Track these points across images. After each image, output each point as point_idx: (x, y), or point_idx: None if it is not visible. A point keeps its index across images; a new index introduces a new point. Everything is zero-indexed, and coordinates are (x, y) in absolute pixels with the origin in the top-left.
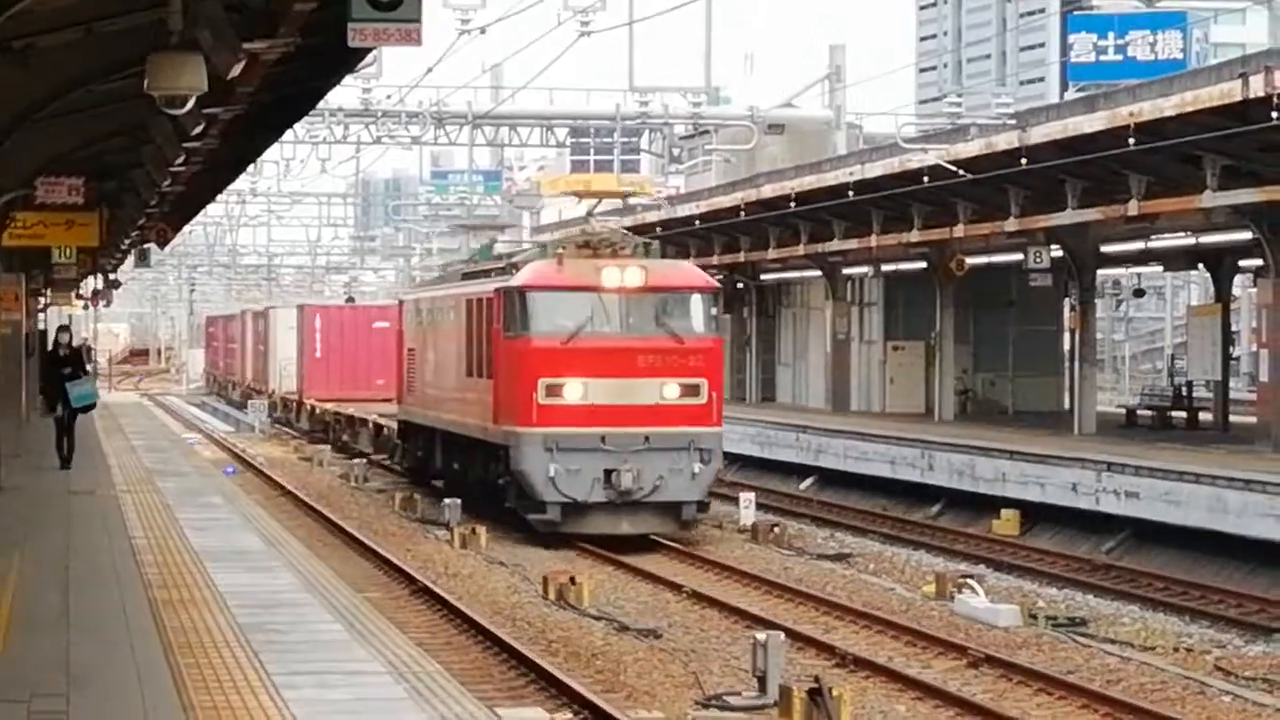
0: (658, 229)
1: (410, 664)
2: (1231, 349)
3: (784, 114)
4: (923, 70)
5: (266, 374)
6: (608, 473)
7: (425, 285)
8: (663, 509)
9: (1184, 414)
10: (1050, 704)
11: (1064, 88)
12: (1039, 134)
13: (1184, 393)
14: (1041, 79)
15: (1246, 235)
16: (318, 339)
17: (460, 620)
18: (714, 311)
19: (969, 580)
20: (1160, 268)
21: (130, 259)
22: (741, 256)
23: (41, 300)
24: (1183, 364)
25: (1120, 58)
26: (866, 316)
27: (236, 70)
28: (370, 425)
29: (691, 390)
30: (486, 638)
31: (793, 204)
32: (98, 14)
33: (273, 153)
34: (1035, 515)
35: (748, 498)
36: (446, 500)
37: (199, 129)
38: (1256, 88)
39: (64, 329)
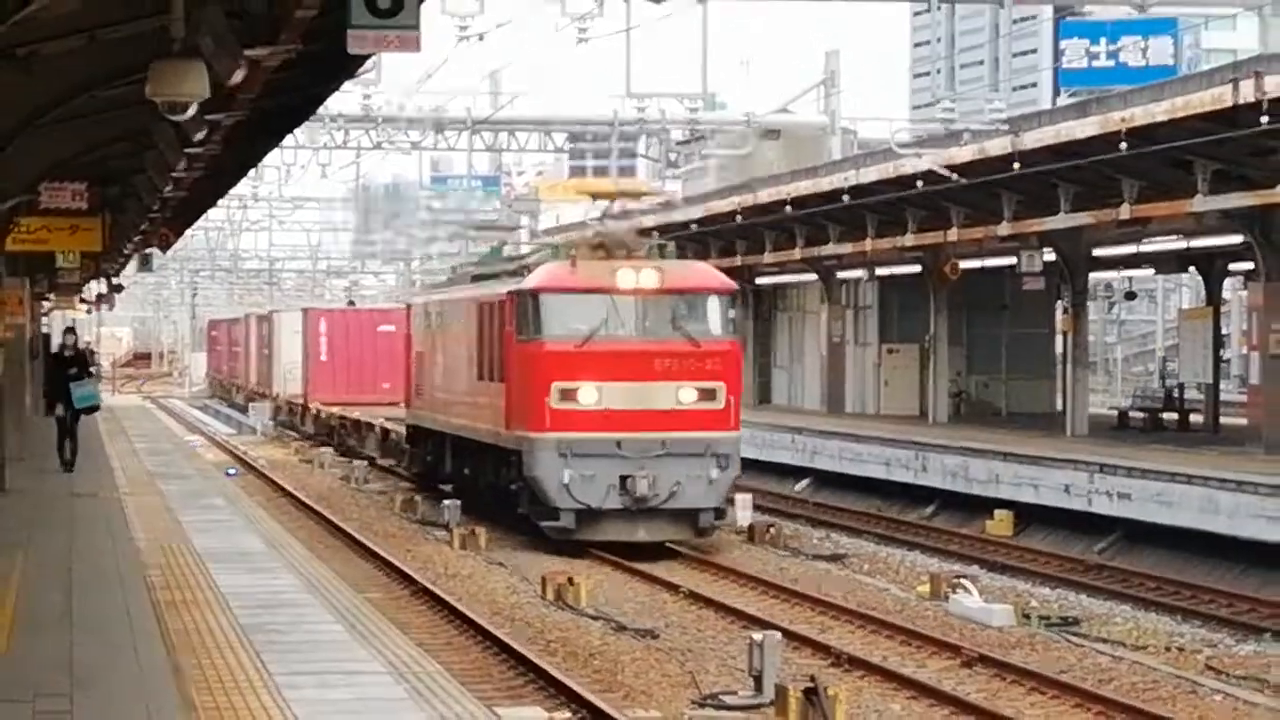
0: (654, 234)
1: (410, 664)
2: (1222, 351)
3: (779, 119)
4: (916, 76)
5: (271, 378)
6: (623, 479)
7: (434, 288)
8: (679, 516)
9: (1175, 416)
10: (1043, 703)
11: (1056, 93)
12: (1032, 139)
13: (1175, 395)
14: (1034, 85)
15: (1237, 239)
16: (323, 342)
17: (460, 621)
18: (731, 313)
19: (963, 580)
20: (1152, 271)
21: (133, 263)
22: (738, 260)
23: (45, 304)
24: (1174, 366)
25: (1112, 63)
26: (861, 319)
27: (238, 76)
28: (377, 430)
29: (708, 394)
30: (486, 638)
31: (788, 208)
32: (101, 21)
33: (274, 158)
34: (1028, 516)
35: (744, 499)
36: (446, 502)
37: (201, 135)
38: (1247, 93)
39: (70, 330)
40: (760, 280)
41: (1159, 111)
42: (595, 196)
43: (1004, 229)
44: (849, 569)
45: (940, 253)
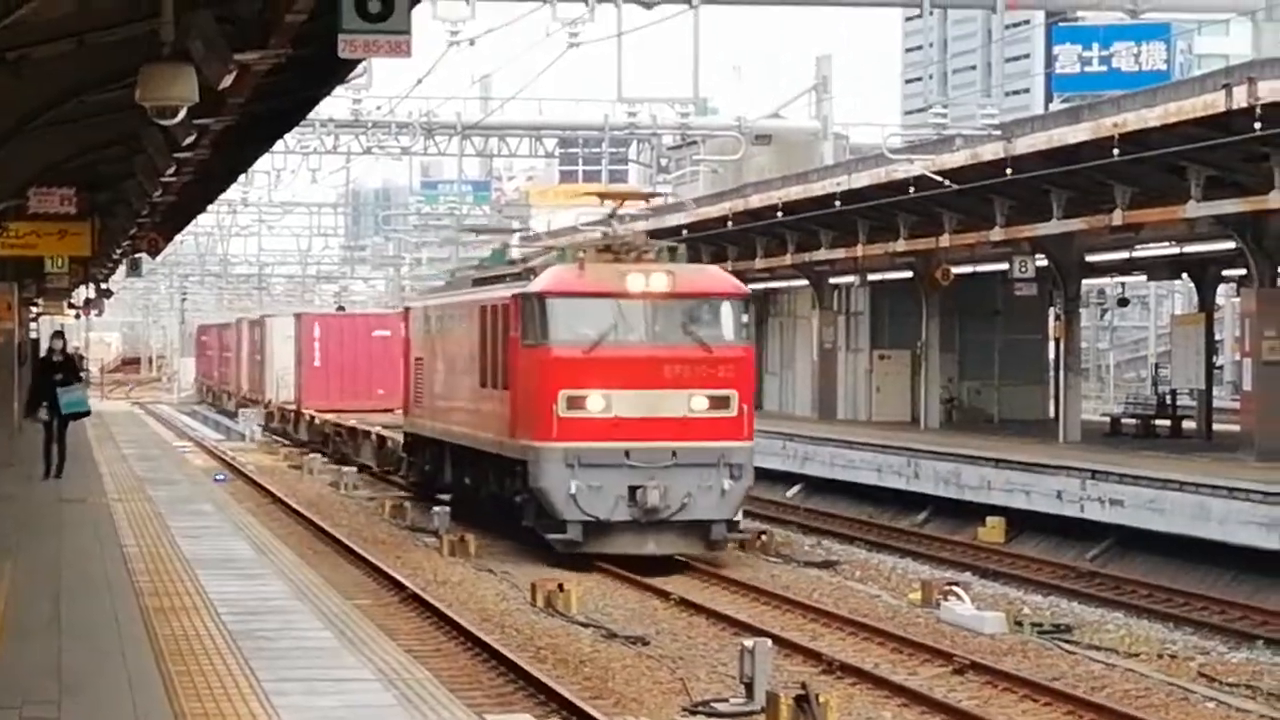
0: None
1: (399, 671)
2: (1215, 358)
3: (771, 124)
4: (909, 81)
5: (263, 384)
6: (632, 490)
7: (434, 292)
8: (690, 528)
9: (1168, 422)
10: (1035, 710)
11: (1049, 99)
12: (1024, 144)
13: (1168, 401)
14: (1027, 90)
15: (1230, 245)
16: (316, 348)
17: (449, 627)
18: (744, 319)
19: (954, 587)
20: (1144, 277)
21: (122, 268)
22: (729, 266)
23: (34, 310)
24: (1166, 373)
25: (1105, 69)
26: (853, 325)
27: (228, 81)
28: (373, 437)
29: (721, 402)
30: (475, 645)
31: (780, 214)
32: (90, 25)
33: (264, 163)
34: (1020, 523)
35: None
36: (436, 508)
37: (190, 139)
38: (1239, 99)
39: (58, 335)
40: (751, 286)
41: (1152, 117)
42: (602, 198)
43: (996, 234)
44: (840, 576)
45: (932, 258)
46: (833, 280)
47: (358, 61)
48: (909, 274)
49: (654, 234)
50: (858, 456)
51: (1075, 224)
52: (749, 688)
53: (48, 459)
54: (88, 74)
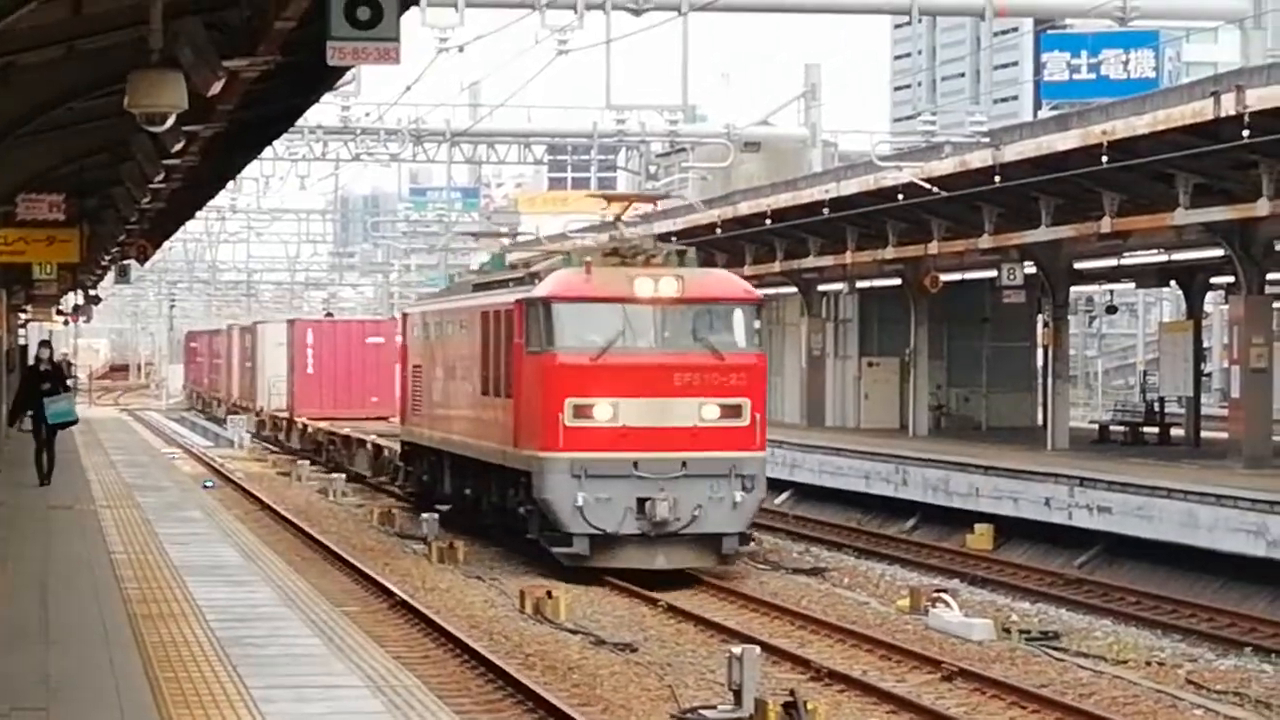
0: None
1: (388, 678)
2: (1203, 365)
3: (760, 132)
4: (898, 89)
5: (254, 391)
6: (641, 502)
7: (433, 297)
8: (701, 542)
9: (1156, 429)
10: (1024, 717)
11: (1037, 106)
12: (1013, 152)
13: (1156, 408)
14: (1015, 97)
15: (1218, 252)
16: (309, 355)
17: (438, 634)
18: (756, 324)
19: (943, 594)
20: (1133, 284)
21: (110, 275)
22: None
23: (22, 316)
24: (1155, 380)
25: (1093, 76)
26: (841, 332)
27: (216, 88)
28: (369, 446)
29: (732, 411)
30: (464, 652)
31: (768, 221)
32: (79, 32)
33: (252, 169)
34: (1009, 530)
35: None
36: (424, 515)
37: (179, 146)
38: (1228, 106)
39: (45, 344)
40: None
41: (1140, 125)
42: (609, 200)
43: (985, 242)
44: (829, 583)
45: (921, 265)
46: (821, 287)
47: (346, 68)
48: (897, 281)
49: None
50: (846, 463)
51: (1064, 231)
52: (737, 694)
53: (39, 467)
54: (76, 81)
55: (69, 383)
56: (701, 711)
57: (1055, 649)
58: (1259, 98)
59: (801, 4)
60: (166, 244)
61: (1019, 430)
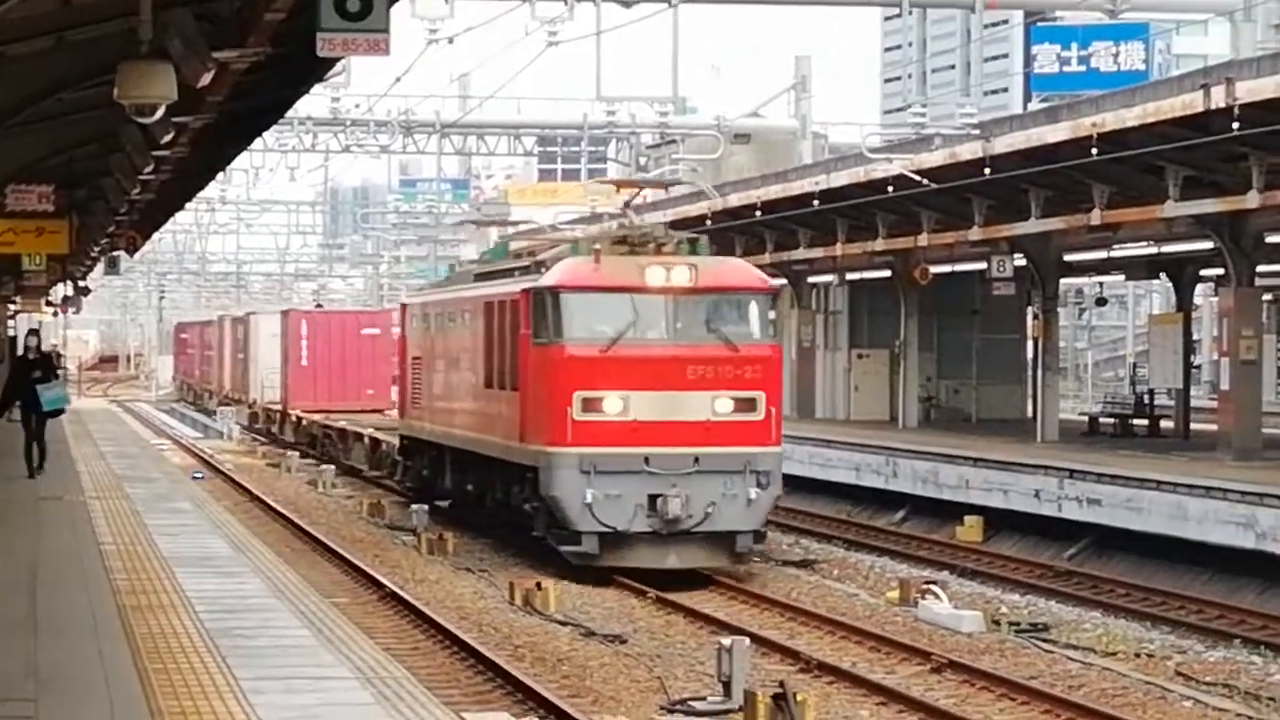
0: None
1: (377, 669)
2: (1193, 357)
3: (750, 124)
4: (888, 80)
5: (247, 383)
6: (652, 499)
7: (434, 286)
8: (714, 540)
9: (1145, 422)
10: (1013, 709)
11: (1027, 98)
12: (1002, 144)
13: (1146, 401)
14: (1005, 90)
15: (1208, 245)
16: (303, 346)
17: (427, 626)
18: (772, 315)
19: (932, 586)
20: (1122, 276)
21: (100, 266)
22: None
23: (11, 307)
24: (1144, 372)
25: (1083, 69)
26: (831, 324)
27: (206, 79)
28: (366, 440)
29: (747, 405)
30: (453, 643)
31: (758, 213)
32: (69, 23)
33: (242, 161)
34: (998, 522)
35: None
36: (414, 507)
37: (169, 137)
38: (1218, 99)
39: (33, 333)
40: None
41: (1130, 117)
42: (619, 187)
43: (974, 234)
44: (818, 574)
45: (910, 257)
46: (811, 279)
47: (336, 60)
48: (887, 273)
49: None
50: (836, 455)
51: (1053, 223)
52: (727, 686)
53: (29, 459)
54: (66, 72)
55: (58, 373)
56: (691, 703)
57: (1044, 641)
58: (1249, 90)
59: None
60: (156, 235)
61: (1009, 422)
